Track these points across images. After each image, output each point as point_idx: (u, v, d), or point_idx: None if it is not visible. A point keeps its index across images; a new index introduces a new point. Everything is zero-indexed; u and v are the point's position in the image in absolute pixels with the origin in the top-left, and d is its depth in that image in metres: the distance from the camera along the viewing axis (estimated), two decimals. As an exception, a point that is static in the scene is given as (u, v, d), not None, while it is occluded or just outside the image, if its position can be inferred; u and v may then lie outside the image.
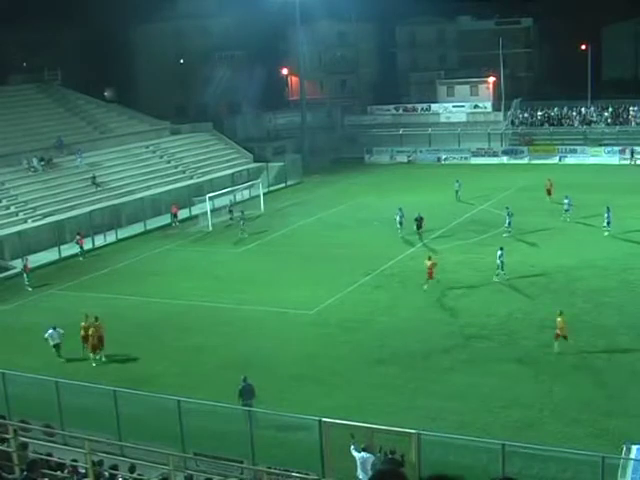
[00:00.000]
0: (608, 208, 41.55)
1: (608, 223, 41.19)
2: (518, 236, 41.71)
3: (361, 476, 18.35)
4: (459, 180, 53.03)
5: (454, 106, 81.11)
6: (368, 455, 18.34)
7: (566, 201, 44.55)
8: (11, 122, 57.84)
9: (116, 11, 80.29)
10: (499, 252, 34.59)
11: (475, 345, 27.75)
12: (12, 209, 48.54)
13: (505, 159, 69.08)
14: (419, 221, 43.07)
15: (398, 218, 43.84)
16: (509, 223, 42.11)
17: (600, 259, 37.01)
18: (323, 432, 19.18)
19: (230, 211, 50.26)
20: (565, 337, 26.31)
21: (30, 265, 39.52)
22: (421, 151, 72.28)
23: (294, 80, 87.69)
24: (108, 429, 21.08)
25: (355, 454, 18.41)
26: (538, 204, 48.88)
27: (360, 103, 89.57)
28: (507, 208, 42.81)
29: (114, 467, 16.09)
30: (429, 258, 34.51)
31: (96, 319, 28.82)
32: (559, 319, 26.61)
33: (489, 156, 69.69)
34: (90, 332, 28.33)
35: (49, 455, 15.28)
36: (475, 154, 69.95)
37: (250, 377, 23.02)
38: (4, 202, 48.81)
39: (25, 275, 38.63)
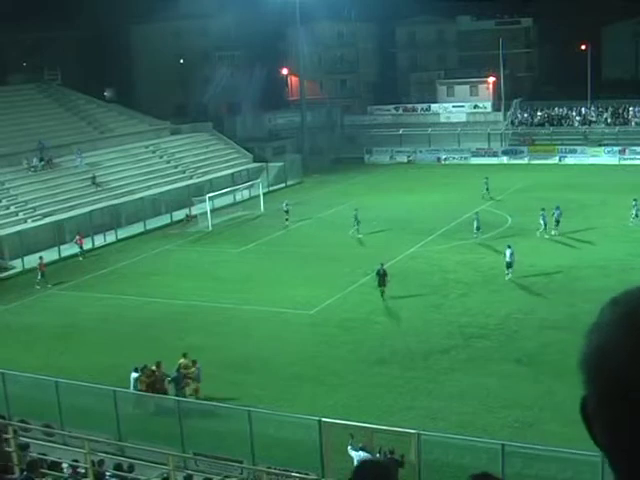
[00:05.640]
0: (543, 209, 41.40)
1: (545, 225, 41.03)
2: (518, 236, 41.71)
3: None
4: (487, 177, 52.35)
5: (454, 106, 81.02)
6: (365, 454, 18.33)
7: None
8: (11, 122, 57.73)
9: (116, 11, 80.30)
10: (508, 251, 34.42)
11: (474, 345, 27.76)
12: (12, 209, 48.50)
13: (505, 159, 68.99)
14: (382, 276, 33.22)
15: (475, 223, 41.57)
16: (545, 224, 41.23)
17: (600, 259, 37.00)
18: (323, 432, 19.18)
19: (286, 211, 48.81)
20: (196, 387, 23.84)
21: (44, 264, 39.03)
22: (421, 151, 72.18)
23: (294, 80, 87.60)
24: (108, 429, 21.09)
25: (352, 453, 18.39)
26: (538, 204, 48.74)
27: (360, 103, 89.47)
28: (543, 209, 41.62)
29: (117, 467, 16.11)
30: (184, 355, 24.78)
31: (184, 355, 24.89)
32: (182, 360, 23.98)
33: (489, 156, 69.57)
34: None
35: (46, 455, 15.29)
36: (475, 154, 69.83)
37: (250, 377, 23.01)
38: (4, 202, 48.77)
39: (39, 273, 38.19)
